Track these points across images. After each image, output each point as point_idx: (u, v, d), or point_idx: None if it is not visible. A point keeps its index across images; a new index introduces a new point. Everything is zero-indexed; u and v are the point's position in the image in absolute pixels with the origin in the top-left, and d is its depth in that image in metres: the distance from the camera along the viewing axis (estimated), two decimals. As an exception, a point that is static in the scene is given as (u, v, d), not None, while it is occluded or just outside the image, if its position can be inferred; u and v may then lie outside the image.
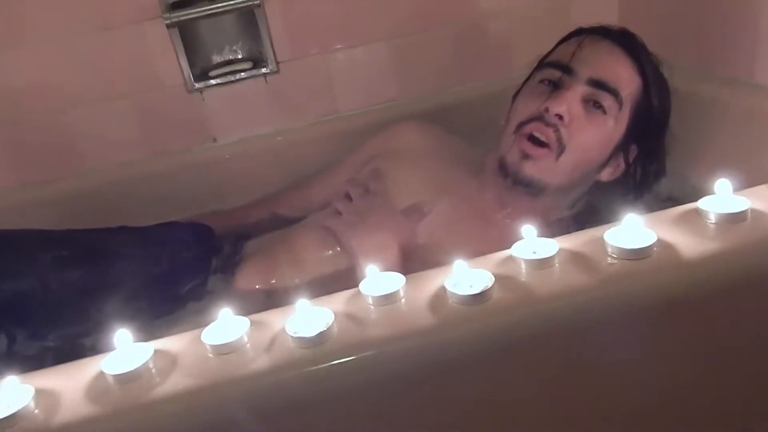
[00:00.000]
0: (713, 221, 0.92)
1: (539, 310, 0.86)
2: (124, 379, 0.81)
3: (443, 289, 0.88)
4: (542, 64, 1.37)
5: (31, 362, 0.91)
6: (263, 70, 1.81)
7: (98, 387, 0.82)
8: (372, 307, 0.88)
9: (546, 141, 1.25)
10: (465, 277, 0.88)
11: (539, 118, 1.26)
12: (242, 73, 1.81)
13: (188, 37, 1.76)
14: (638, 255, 0.87)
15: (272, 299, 1.31)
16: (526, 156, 1.26)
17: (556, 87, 1.29)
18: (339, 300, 0.91)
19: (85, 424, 0.78)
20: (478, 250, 0.98)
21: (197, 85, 1.79)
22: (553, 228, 1.29)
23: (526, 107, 1.31)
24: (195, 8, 1.70)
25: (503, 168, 1.30)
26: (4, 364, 1.16)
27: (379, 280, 0.91)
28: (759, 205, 0.93)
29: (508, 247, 0.94)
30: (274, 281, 1.36)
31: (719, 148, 1.43)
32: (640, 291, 0.87)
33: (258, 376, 0.81)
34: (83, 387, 0.82)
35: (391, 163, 1.45)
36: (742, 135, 1.39)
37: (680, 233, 0.91)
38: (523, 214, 1.30)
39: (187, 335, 0.89)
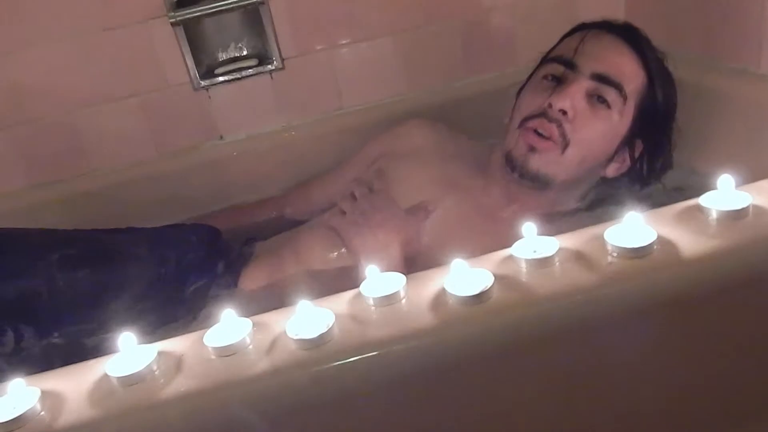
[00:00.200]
0: (714, 218, 0.92)
1: (539, 309, 0.86)
2: (128, 381, 0.82)
3: (444, 289, 0.88)
4: (545, 59, 1.37)
5: (38, 362, 0.92)
6: (268, 66, 1.82)
7: (103, 389, 0.83)
8: (373, 307, 0.88)
9: (549, 137, 1.25)
10: (465, 276, 0.88)
11: (543, 114, 1.26)
12: (248, 71, 1.81)
13: (193, 35, 1.77)
14: (638, 253, 0.87)
15: (278, 300, 1.31)
16: (532, 149, 1.26)
17: (559, 82, 1.29)
18: (340, 301, 0.91)
19: (90, 425, 0.79)
20: (484, 247, 0.98)
21: (203, 83, 1.80)
22: (559, 223, 1.29)
23: (529, 103, 1.31)
24: (199, 6, 1.70)
25: (510, 162, 1.30)
26: (11, 361, 1.17)
27: (379, 281, 0.91)
28: (761, 201, 0.93)
29: (515, 243, 0.94)
30: (279, 282, 1.36)
31: (726, 138, 1.43)
32: (640, 289, 0.87)
33: (260, 378, 0.81)
34: (88, 389, 0.83)
35: (396, 163, 1.45)
36: (748, 125, 1.39)
37: (681, 230, 0.91)
38: (529, 210, 1.31)
39: (190, 337, 0.89)
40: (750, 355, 0.97)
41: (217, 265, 1.42)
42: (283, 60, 1.82)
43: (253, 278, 1.39)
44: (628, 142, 1.31)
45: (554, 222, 1.30)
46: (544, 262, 0.90)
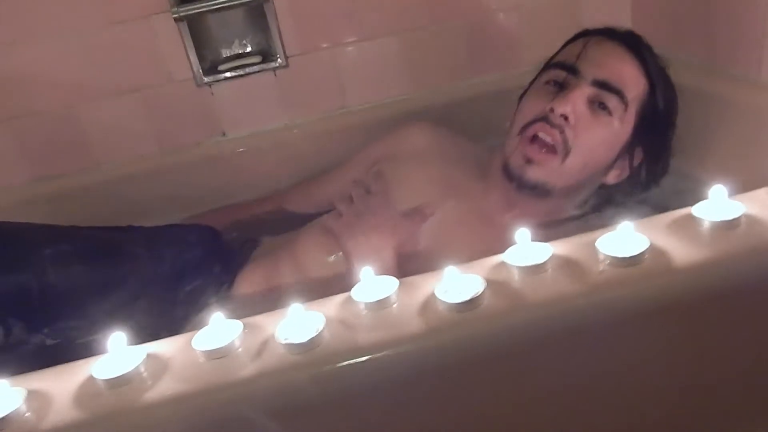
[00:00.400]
0: (707, 228, 0.92)
1: (530, 316, 0.86)
2: (115, 383, 0.82)
3: (435, 294, 0.88)
4: (548, 65, 1.36)
5: (29, 364, 0.92)
6: (272, 64, 1.82)
7: (90, 390, 0.83)
8: (364, 312, 0.88)
9: (551, 142, 1.25)
10: (457, 282, 0.88)
11: (544, 118, 1.26)
12: (251, 68, 1.81)
13: (197, 31, 1.77)
14: (629, 262, 0.87)
15: (273, 302, 1.31)
16: (529, 161, 1.26)
17: (561, 88, 1.28)
18: (331, 305, 0.91)
19: (76, 427, 0.79)
20: (483, 251, 0.98)
21: (206, 79, 1.80)
22: (559, 229, 1.29)
23: (531, 108, 1.30)
24: (204, 2, 1.70)
25: (507, 172, 1.30)
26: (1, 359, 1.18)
27: (371, 285, 0.91)
28: (754, 210, 0.93)
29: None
30: (275, 284, 1.36)
31: (723, 144, 1.42)
32: (630, 298, 0.87)
33: (248, 382, 0.81)
34: (75, 390, 0.83)
35: (395, 165, 1.45)
36: (746, 133, 1.39)
37: (673, 240, 0.90)
38: (529, 216, 1.30)
39: (179, 339, 0.89)
40: (738, 364, 0.97)
41: (214, 267, 1.42)
42: (287, 58, 1.81)
43: (249, 280, 1.39)
44: (628, 148, 1.30)
45: (554, 228, 1.30)
46: (536, 269, 0.90)
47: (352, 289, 0.91)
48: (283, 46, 1.80)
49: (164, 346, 0.89)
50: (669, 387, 0.95)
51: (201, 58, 1.78)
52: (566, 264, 0.90)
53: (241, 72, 1.81)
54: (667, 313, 0.89)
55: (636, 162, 1.32)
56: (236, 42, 1.85)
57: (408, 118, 1.68)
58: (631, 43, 1.31)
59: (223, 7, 1.72)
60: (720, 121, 1.43)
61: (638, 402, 0.96)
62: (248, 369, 0.82)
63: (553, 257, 0.90)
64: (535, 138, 1.26)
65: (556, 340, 0.88)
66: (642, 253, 0.87)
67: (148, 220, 1.54)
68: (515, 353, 0.88)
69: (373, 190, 1.36)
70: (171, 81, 1.79)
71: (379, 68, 1.88)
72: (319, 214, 1.47)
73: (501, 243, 0.97)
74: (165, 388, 0.81)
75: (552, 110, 1.25)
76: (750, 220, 0.91)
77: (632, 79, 1.27)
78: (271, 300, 1.32)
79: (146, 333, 0.92)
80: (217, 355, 0.84)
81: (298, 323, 0.86)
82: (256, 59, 1.82)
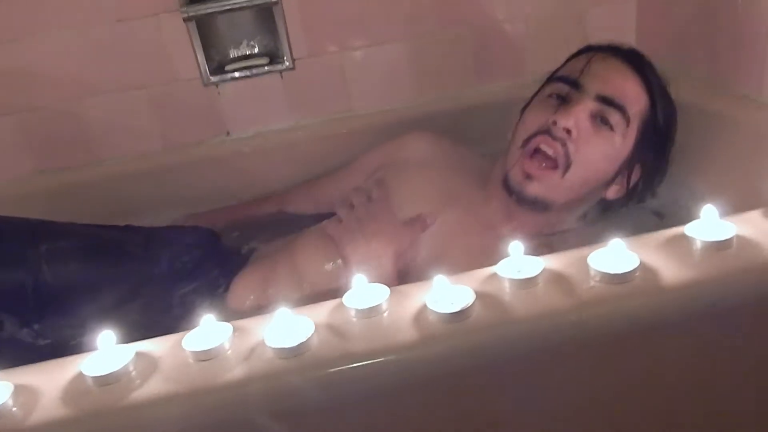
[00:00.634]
0: (698, 247, 0.92)
1: (518, 330, 0.86)
2: (104, 380, 0.82)
3: (425, 305, 0.88)
4: (551, 78, 1.37)
5: (18, 359, 0.92)
6: (279, 66, 1.82)
7: (78, 387, 0.83)
8: (354, 319, 0.89)
9: (553, 155, 1.25)
10: (447, 293, 0.89)
11: (547, 131, 1.26)
12: (258, 69, 1.82)
13: (205, 30, 1.78)
14: (619, 280, 0.87)
15: (269, 306, 1.31)
16: (529, 176, 1.26)
17: (564, 102, 1.29)
18: (322, 310, 0.91)
19: (63, 424, 0.79)
20: (481, 261, 0.98)
21: (213, 79, 1.81)
22: (557, 242, 1.29)
23: (533, 120, 1.30)
24: (212, 3, 1.71)
25: (507, 187, 1.30)
26: None
27: (363, 292, 0.92)
28: (746, 232, 0.93)
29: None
30: (272, 288, 1.36)
31: (721, 162, 1.42)
32: (619, 315, 0.87)
33: (236, 385, 0.82)
34: (63, 386, 0.84)
35: (397, 173, 1.45)
36: (744, 152, 1.39)
37: (664, 258, 0.91)
38: (528, 229, 1.31)
39: (169, 339, 0.90)
40: (726, 383, 0.97)
41: (211, 269, 1.42)
42: (294, 60, 1.82)
43: (246, 284, 1.39)
44: (628, 164, 1.30)
45: (553, 240, 1.30)
46: (527, 283, 0.90)
47: (344, 296, 0.91)
48: (290, 48, 1.81)
49: (154, 346, 0.89)
50: (656, 406, 0.95)
51: (208, 57, 1.79)
52: (557, 278, 0.90)
53: (247, 73, 1.82)
54: (655, 332, 0.89)
55: (635, 177, 1.32)
56: (244, 43, 1.85)
57: (413, 123, 1.69)
58: (634, 60, 1.31)
59: (232, 8, 1.73)
60: (720, 139, 1.44)
61: (624, 419, 0.96)
62: (236, 371, 0.83)
63: (544, 271, 0.91)
64: (536, 152, 1.27)
65: (544, 354, 0.88)
66: (632, 271, 0.87)
67: (149, 217, 1.54)
68: (503, 366, 0.88)
69: (374, 197, 1.37)
70: (177, 79, 1.80)
71: (386, 73, 1.89)
72: (319, 215, 1.48)
73: (501, 253, 0.97)
74: (153, 387, 0.82)
75: (555, 123, 1.25)
76: (742, 242, 0.92)
77: (634, 96, 1.28)
78: (267, 304, 1.32)
79: (140, 334, 0.92)
80: (206, 356, 0.85)
81: (288, 327, 0.86)
82: (264, 61, 1.82)
